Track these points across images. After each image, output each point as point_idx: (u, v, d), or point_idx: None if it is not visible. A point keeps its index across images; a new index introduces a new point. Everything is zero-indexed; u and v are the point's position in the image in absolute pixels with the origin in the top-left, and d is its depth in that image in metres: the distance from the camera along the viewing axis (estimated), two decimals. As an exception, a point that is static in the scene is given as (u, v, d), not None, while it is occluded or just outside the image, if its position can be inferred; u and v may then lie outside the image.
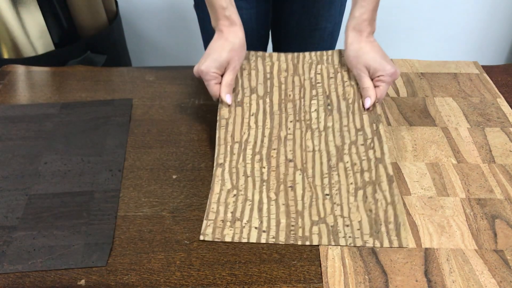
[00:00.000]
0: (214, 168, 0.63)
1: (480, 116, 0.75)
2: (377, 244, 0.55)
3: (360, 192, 0.60)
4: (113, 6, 1.32)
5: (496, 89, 0.82)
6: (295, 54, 0.76)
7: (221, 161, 0.64)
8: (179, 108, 0.77)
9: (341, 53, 0.75)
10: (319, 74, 0.73)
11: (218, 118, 0.68)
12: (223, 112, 0.69)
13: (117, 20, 1.31)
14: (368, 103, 0.68)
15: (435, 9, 1.73)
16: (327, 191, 0.60)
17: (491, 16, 1.78)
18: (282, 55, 0.76)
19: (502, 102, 0.78)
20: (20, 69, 0.87)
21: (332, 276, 0.51)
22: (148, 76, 0.85)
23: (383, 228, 0.56)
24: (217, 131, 0.67)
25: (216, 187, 0.61)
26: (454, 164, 0.66)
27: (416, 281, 0.51)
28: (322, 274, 0.52)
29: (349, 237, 0.55)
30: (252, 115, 0.69)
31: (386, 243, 0.55)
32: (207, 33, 0.96)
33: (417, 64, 0.89)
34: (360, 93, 0.70)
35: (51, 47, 1.14)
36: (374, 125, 0.66)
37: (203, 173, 0.65)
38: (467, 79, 0.85)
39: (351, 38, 0.71)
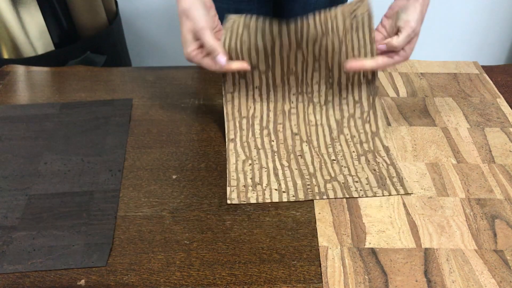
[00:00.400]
0: (227, 143, 0.68)
1: (480, 116, 0.75)
2: (386, 193, 0.61)
3: (363, 158, 0.66)
4: (113, 6, 1.32)
5: (496, 89, 0.82)
6: (300, 26, 0.69)
7: (232, 136, 0.69)
8: (179, 108, 0.77)
9: (342, 13, 0.70)
10: (323, 48, 0.70)
11: (223, 92, 0.70)
12: (228, 86, 0.70)
13: (117, 20, 1.31)
14: (381, 47, 0.66)
15: (435, 9, 1.73)
16: (333, 157, 0.67)
17: (491, 16, 1.78)
18: (284, 29, 0.69)
19: (502, 102, 0.79)
20: (20, 69, 0.87)
21: (332, 276, 0.51)
22: (148, 76, 0.85)
23: (388, 181, 0.63)
24: (224, 107, 0.70)
25: (231, 159, 0.66)
26: (454, 164, 0.66)
27: (416, 281, 0.51)
28: (322, 274, 0.52)
29: (360, 190, 0.62)
30: (256, 87, 0.70)
31: (393, 192, 0.61)
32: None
33: (417, 64, 0.89)
34: (366, 49, 0.68)
35: (51, 47, 1.14)
36: (371, 97, 0.70)
37: (203, 173, 0.65)
38: (467, 79, 0.85)
39: None
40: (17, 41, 1.10)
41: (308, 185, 0.62)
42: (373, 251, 0.54)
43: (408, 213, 0.59)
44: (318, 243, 0.55)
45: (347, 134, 0.69)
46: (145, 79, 0.85)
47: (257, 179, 0.63)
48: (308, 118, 0.71)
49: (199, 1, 0.65)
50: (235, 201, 0.61)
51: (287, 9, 0.94)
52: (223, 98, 0.70)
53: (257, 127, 0.70)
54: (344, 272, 0.52)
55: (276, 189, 0.62)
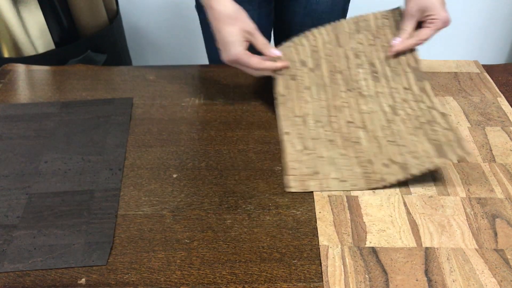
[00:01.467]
0: (281, 137, 0.69)
1: (480, 115, 0.75)
2: (446, 162, 0.62)
3: (420, 131, 0.65)
4: (114, 5, 1.32)
5: (496, 88, 0.82)
6: (333, 25, 0.80)
7: (286, 130, 0.70)
8: (179, 107, 0.77)
9: (374, 15, 0.79)
10: (360, 43, 0.77)
11: (275, 95, 0.73)
12: (279, 88, 0.73)
13: (117, 19, 1.31)
14: (395, 42, 0.73)
15: (436, 8, 1.73)
16: (389, 139, 0.66)
17: (492, 15, 1.78)
18: (322, 29, 0.80)
19: (502, 101, 0.78)
20: (21, 68, 0.87)
21: (332, 275, 0.51)
22: (148, 75, 0.85)
23: (445, 148, 0.62)
24: (276, 109, 0.73)
25: (288, 149, 0.67)
26: (454, 163, 0.66)
27: (417, 280, 0.51)
28: (323, 273, 0.52)
29: (419, 165, 0.61)
30: (306, 88, 0.74)
31: (454, 158, 0.61)
32: (208, 32, 0.96)
33: (417, 63, 0.89)
34: (400, 54, 0.75)
35: (51, 46, 1.14)
36: (420, 82, 0.72)
37: (203, 172, 0.65)
38: (467, 78, 0.85)
39: None
40: (17, 40, 1.10)
41: (367, 173, 0.63)
42: (373, 250, 0.54)
43: (408, 212, 0.59)
44: (318, 242, 0.55)
45: (403, 114, 0.69)
46: (145, 78, 0.85)
47: (315, 168, 0.64)
48: (360, 108, 0.71)
49: (238, 5, 0.69)
50: (295, 189, 0.62)
51: (289, 10, 0.94)
52: (275, 101, 0.73)
53: (311, 121, 0.70)
54: (344, 271, 0.52)
55: (335, 178, 0.63)
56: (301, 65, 0.76)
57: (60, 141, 0.69)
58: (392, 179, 0.61)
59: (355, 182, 0.62)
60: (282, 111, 0.72)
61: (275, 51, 0.72)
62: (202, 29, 0.97)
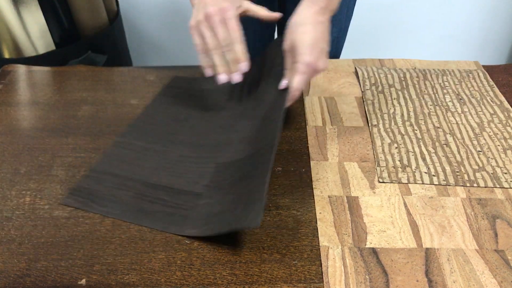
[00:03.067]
0: (370, 129, 0.72)
1: (481, 116, 0.75)
2: None
3: (509, 151, 0.67)
4: (114, 6, 1.32)
5: (497, 89, 0.82)
6: (421, 70, 0.86)
7: (374, 122, 0.73)
8: (179, 108, 0.77)
9: (461, 73, 0.85)
10: (446, 81, 0.83)
11: (363, 98, 0.78)
12: (368, 94, 0.79)
13: (118, 20, 1.31)
14: (282, 85, 0.63)
15: (436, 8, 1.73)
16: (479, 149, 0.68)
17: (492, 16, 1.78)
18: (411, 70, 0.86)
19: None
20: (21, 69, 0.88)
21: (332, 276, 0.51)
22: (148, 76, 0.85)
23: None
24: (365, 108, 0.76)
25: (377, 141, 0.69)
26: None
27: (417, 281, 0.51)
28: (323, 274, 0.52)
29: (511, 181, 0.63)
30: (394, 99, 0.79)
31: None
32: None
33: (418, 63, 0.89)
34: (492, 91, 0.80)
35: (52, 46, 1.15)
36: (505, 112, 0.75)
37: (203, 173, 0.65)
38: (468, 79, 0.85)
39: (301, 6, 0.62)
40: (18, 40, 1.10)
41: (457, 172, 0.64)
42: (374, 251, 0.54)
43: (409, 213, 0.59)
44: (319, 243, 0.55)
45: (490, 132, 0.71)
46: (145, 78, 0.85)
47: (405, 162, 0.66)
48: (448, 118, 0.74)
49: None
50: (387, 180, 0.63)
51: (291, 9, 0.93)
52: (364, 101, 0.78)
53: (399, 119, 0.74)
54: (345, 272, 0.52)
55: (426, 172, 0.64)
56: (389, 86, 0.81)
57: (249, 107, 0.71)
58: (482, 183, 0.62)
59: (445, 178, 0.63)
60: (369, 108, 0.76)
61: (245, 65, 0.65)
62: None
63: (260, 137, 0.63)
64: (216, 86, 0.68)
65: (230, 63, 0.66)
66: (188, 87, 0.79)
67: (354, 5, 0.95)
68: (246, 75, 0.67)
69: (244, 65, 0.65)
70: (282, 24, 0.99)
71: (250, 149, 0.62)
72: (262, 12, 0.69)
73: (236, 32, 0.64)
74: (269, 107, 0.66)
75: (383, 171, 0.64)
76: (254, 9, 0.68)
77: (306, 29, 0.60)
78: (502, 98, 0.78)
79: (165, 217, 0.57)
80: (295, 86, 0.61)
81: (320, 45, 0.61)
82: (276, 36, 1.03)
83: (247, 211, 0.52)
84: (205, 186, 0.60)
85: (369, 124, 0.73)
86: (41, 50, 1.13)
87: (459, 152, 0.67)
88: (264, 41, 0.98)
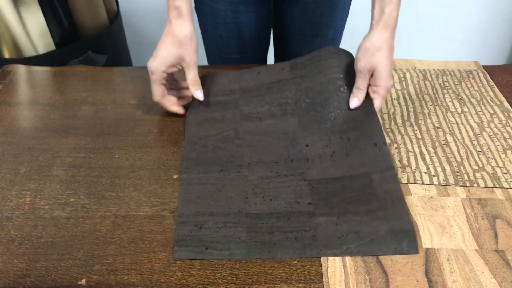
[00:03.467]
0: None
1: (481, 116, 0.75)
2: None
3: (509, 152, 0.67)
4: (114, 6, 1.32)
5: (497, 89, 0.82)
6: (421, 71, 0.86)
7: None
8: (179, 108, 0.77)
9: (468, 73, 0.85)
10: (446, 81, 0.83)
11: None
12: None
13: (118, 20, 1.31)
14: (354, 104, 0.66)
15: (437, 9, 1.73)
16: (478, 149, 0.68)
17: (492, 16, 1.78)
18: (411, 70, 0.86)
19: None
20: (21, 69, 0.88)
21: (332, 276, 0.51)
22: (148, 76, 0.85)
23: None
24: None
25: None
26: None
27: (417, 281, 0.51)
28: (323, 274, 0.52)
29: (511, 181, 0.63)
30: (394, 98, 0.78)
31: None
32: (208, 34, 0.97)
33: (418, 64, 0.89)
34: (492, 91, 0.80)
35: (52, 47, 1.15)
36: (505, 113, 0.75)
37: (203, 173, 0.65)
38: (468, 79, 0.85)
39: (375, 30, 0.65)
40: (18, 40, 1.10)
41: (457, 172, 0.64)
42: (374, 251, 0.54)
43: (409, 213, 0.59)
44: (319, 243, 0.55)
45: (490, 132, 0.71)
46: (145, 78, 0.85)
47: (405, 162, 0.66)
48: (448, 118, 0.74)
49: (194, 35, 0.69)
50: None
51: (286, 13, 0.94)
52: None
53: (399, 120, 0.74)
54: (344, 272, 0.52)
55: (425, 172, 0.64)
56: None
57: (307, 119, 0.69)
58: (482, 183, 0.62)
59: (445, 178, 0.63)
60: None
61: (199, 94, 0.71)
62: (201, 30, 0.97)
63: (357, 157, 0.62)
64: (231, 87, 0.69)
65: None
66: (209, 92, 0.76)
67: (349, 7, 0.96)
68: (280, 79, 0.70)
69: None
70: (277, 28, 0.99)
71: (346, 170, 0.61)
72: (192, 83, 0.71)
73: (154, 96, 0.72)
74: (343, 121, 0.66)
75: None
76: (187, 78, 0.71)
77: (385, 55, 0.64)
78: (502, 98, 0.78)
79: (294, 243, 0.54)
80: (378, 107, 0.66)
81: (392, 69, 0.66)
82: (272, 40, 1.03)
83: (399, 236, 0.54)
84: (310, 204, 0.58)
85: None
86: (41, 50, 1.13)
87: (459, 152, 0.67)
88: (261, 45, 0.99)
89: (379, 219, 0.55)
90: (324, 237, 0.55)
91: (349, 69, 0.70)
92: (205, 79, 0.77)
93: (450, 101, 0.78)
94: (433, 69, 0.86)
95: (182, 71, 0.71)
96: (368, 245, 0.53)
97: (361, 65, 0.65)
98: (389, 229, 0.55)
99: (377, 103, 0.66)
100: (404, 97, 0.79)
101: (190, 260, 0.53)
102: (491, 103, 0.77)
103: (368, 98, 0.66)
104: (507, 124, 0.73)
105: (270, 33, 1.01)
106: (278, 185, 0.61)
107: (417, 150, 0.68)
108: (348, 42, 1.09)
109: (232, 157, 0.66)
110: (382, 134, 0.63)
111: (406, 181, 0.63)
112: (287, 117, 0.70)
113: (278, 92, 0.73)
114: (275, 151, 0.66)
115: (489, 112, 0.75)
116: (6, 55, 1.12)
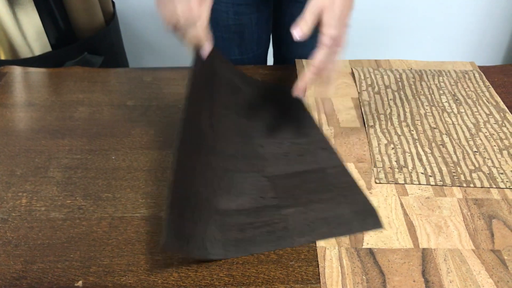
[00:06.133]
0: (366, 130, 0.72)
1: (477, 116, 0.76)
2: None
3: (505, 152, 0.68)
4: (110, 7, 1.32)
5: (492, 89, 0.82)
6: (417, 71, 0.87)
7: (371, 123, 0.73)
8: (176, 109, 0.77)
9: (465, 74, 0.86)
10: (442, 82, 0.84)
11: (360, 99, 0.79)
12: (364, 95, 0.79)
13: (114, 21, 1.31)
14: (296, 34, 0.57)
15: (432, 9, 1.74)
16: (475, 149, 0.68)
17: (488, 17, 1.79)
18: (407, 71, 0.87)
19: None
20: (17, 70, 0.87)
21: (329, 277, 0.51)
22: (145, 77, 0.85)
23: None
24: (361, 109, 0.77)
25: (373, 142, 0.69)
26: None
27: (414, 281, 0.51)
28: (320, 274, 0.52)
29: (507, 181, 0.63)
30: (391, 99, 0.79)
31: None
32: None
33: (414, 64, 0.89)
34: (487, 91, 0.80)
35: (48, 48, 1.14)
36: (501, 113, 0.75)
37: (200, 174, 0.65)
38: (464, 79, 0.85)
39: None
40: (14, 42, 1.09)
41: (454, 172, 0.64)
42: (370, 252, 0.54)
43: (405, 213, 0.59)
44: (316, 244, 0.55)
45: (486, 132, 0.71)
46: (142, 80, 0.85)
47: (402, 162, 0.66)
48: (444, 119, 0.74)
49: None
50: (383, 181, 0.63)
51: (287, 13, 0.94)
52: (360, 102, 0.78)
53: (395, 120, 0.74)
54: (342, 273, 0.52)
55: (422, 173, 0.64)
56: (385, 87, 0.82)
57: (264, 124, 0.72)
58: (479, 184, 0.63)
59: (442, 179, 0.63)
60: (366, 109, 0.76)
61: (207, 46, 0.59)
62: None
63: (309, 157, 0.66)
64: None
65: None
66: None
67: None
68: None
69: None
70: (277, 29, 0.99)
71: (302, 166, 0.65)
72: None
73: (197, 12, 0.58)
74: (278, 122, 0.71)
75: (379, 171, 0.64)
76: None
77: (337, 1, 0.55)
78: (498, 99, 0.79)
79: (268, 237, 0.55)
80: (318, 60, 0.57)
81: (345, 20, 0.56)
82: (271, 40, 1.03)
83: (362, 215, 0.58)
84: (275, 198, 0.60)
85: (366, 125, 0.73)
86: (37, 51, 1.13)
87: (455, 153, 0.68)
88: (261, 46, 0.99)
89: (341, 204, 0.59)
90: (295, 226, 0.56)
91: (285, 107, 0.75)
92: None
93: (446, 101, 0.78)
94: (429, 70, 0.87)
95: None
96: (337, 228, 0.56)
97: (311, 3, 0.57)
98: (353, 211, 0.58)
99: (319, 54, 0.57)
100: (401, 98, 0.79)
101: (187, 261, 0.53)
102: (487, 103, 0.78)
103: (307, 118, 0.73)
104: (503, 124, 0.73)
105: (271, 34, 1.01)
106: (240, 180, 0.62)
107: (413, 151, 0.68)
108: (349, 41, 1.09)
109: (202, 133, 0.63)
110: (329, 142, 0.69)
111: (403, 182, 0.63)
112: (240, 118, 0.72)
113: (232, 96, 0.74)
114: (231, 144, 0.67)
115: (485, 112, 0.76)
116: (2, 56, 1.11)
